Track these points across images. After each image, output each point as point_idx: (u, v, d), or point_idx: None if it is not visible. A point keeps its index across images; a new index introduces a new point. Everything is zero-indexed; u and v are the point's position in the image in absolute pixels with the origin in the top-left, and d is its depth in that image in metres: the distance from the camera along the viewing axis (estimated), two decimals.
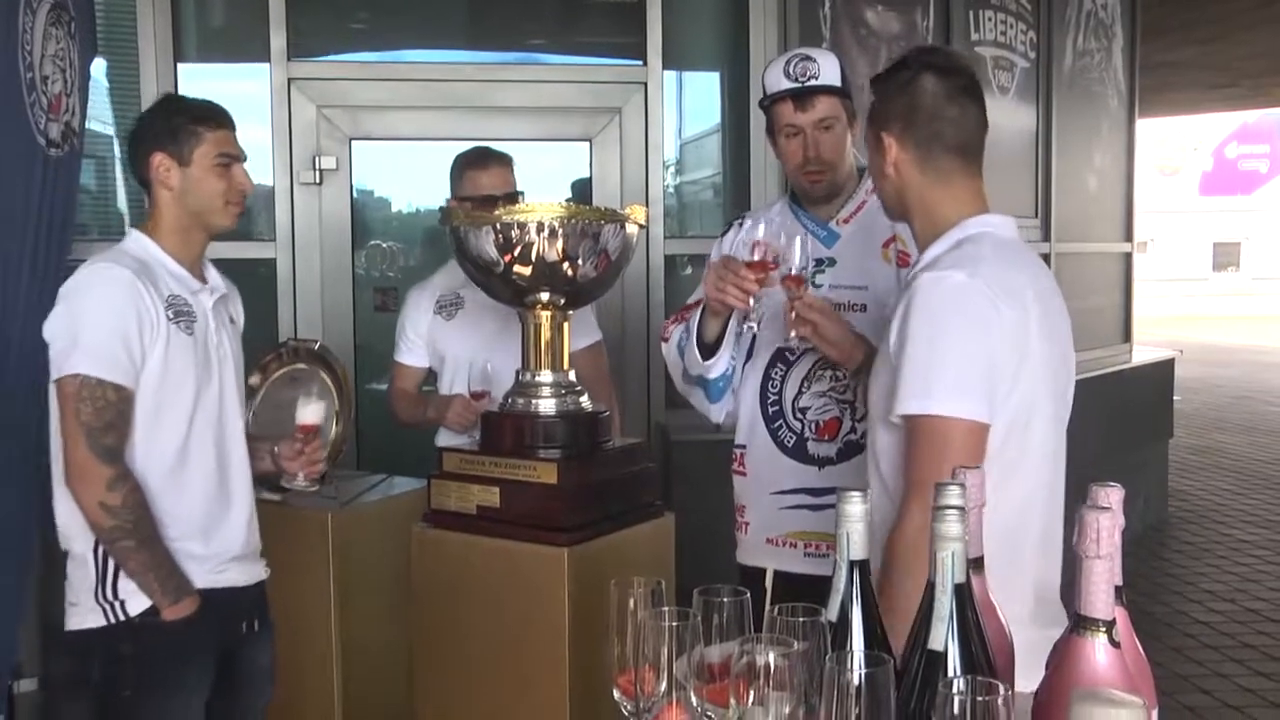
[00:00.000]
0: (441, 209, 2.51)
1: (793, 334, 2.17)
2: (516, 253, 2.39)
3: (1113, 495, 1.17)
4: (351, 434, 3.46)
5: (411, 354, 3.17)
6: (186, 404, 2.19)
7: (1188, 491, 7.74)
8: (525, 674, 2.36)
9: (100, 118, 4.11)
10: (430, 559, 2.51)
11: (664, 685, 1.20)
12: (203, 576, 2.22)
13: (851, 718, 1.02)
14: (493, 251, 2.41)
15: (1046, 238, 5.93)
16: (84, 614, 2.16)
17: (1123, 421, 6.40)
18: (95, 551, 2.14)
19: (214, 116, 2.26)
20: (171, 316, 2.15)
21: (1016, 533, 1.67)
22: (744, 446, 2.55)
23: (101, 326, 2.08)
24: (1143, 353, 7.07)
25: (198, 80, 4.15)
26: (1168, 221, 31.96)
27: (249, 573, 2.34)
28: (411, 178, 4.63)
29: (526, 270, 2.40)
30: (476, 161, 3.03)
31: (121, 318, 2.09)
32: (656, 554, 2.54)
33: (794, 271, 2.14)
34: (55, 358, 2.10)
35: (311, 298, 4.17)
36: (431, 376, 3.22)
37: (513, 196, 2.84)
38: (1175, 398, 7.41)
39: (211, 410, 2.25)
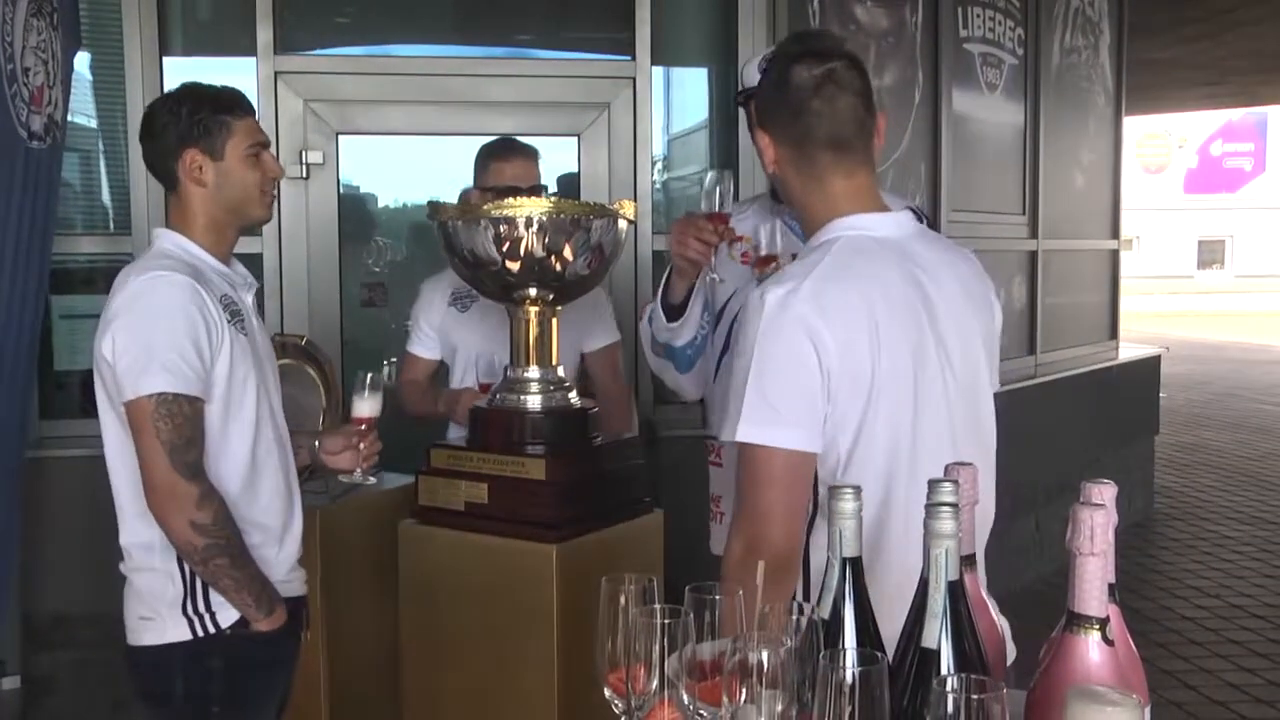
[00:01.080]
0: (429, 203, 2.49)
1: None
2: (505, 248, 2.38)
3: (1106, 492, 1.16)
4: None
5: (423, 345, 3.14)
6: (251, 407, 2.09)
7: (1173, 488, 7.77)
8: (513, 670, 2.35)
9: (84, 111, 4.08)
10: (418, 555, 2.50)
11: (655, 683, 1.19)
12: (279, 585, 2.13)
13: (845, 715, 1.01)
14: (480, 246, 2.40)
15: (1034, 235, 5.94)
16: (165, 627, 2.05)
17: (1109, 418, 6.42)
18: (181, 564, 2.04)
19: (239, 104, 2.15)
20: (229, 319, 2.06)
21: (874, 530, 1.58)
22: (717, 438, 2.54)
23: (171, 338, 1.96)
24: (1129, 350, 7.10)
25: (183, 74, 4.12)
26: (1153, 219, 32.08)
27: (301, 582, 2.26)
28: (399, 172, 4.60)
29: (515, 265, 2.39)
30: (501, 152, 3.01)
31: (190, 326, 1.98)
32: (646, 550, 2.53)
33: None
34: (124, 377, 1.96)
35: (298, 293, 4.14)
36: (443, 371, 3.19)
37: (537, 189, 2.80)
38: (1161, 394, 7.44)
39: (271, 410, 2.17)
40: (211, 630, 2.05)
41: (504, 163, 2.96)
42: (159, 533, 2.01)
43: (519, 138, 3.20)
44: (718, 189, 2.24)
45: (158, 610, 2.05)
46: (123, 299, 2.00)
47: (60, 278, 3.90)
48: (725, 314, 2.36)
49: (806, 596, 1.61)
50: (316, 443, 2.36)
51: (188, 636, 2.04)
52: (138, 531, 2.06)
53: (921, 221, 2.16)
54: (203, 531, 1.96)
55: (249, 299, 2.17)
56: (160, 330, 1.96)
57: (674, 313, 2.36)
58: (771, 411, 1.59)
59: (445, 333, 3.11)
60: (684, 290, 2.34)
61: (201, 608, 2.04)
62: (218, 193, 2.11)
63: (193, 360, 1.97)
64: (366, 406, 2.33)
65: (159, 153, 2.12)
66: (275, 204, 2.22)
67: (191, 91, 2.13)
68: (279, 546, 2.15)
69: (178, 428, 1.95)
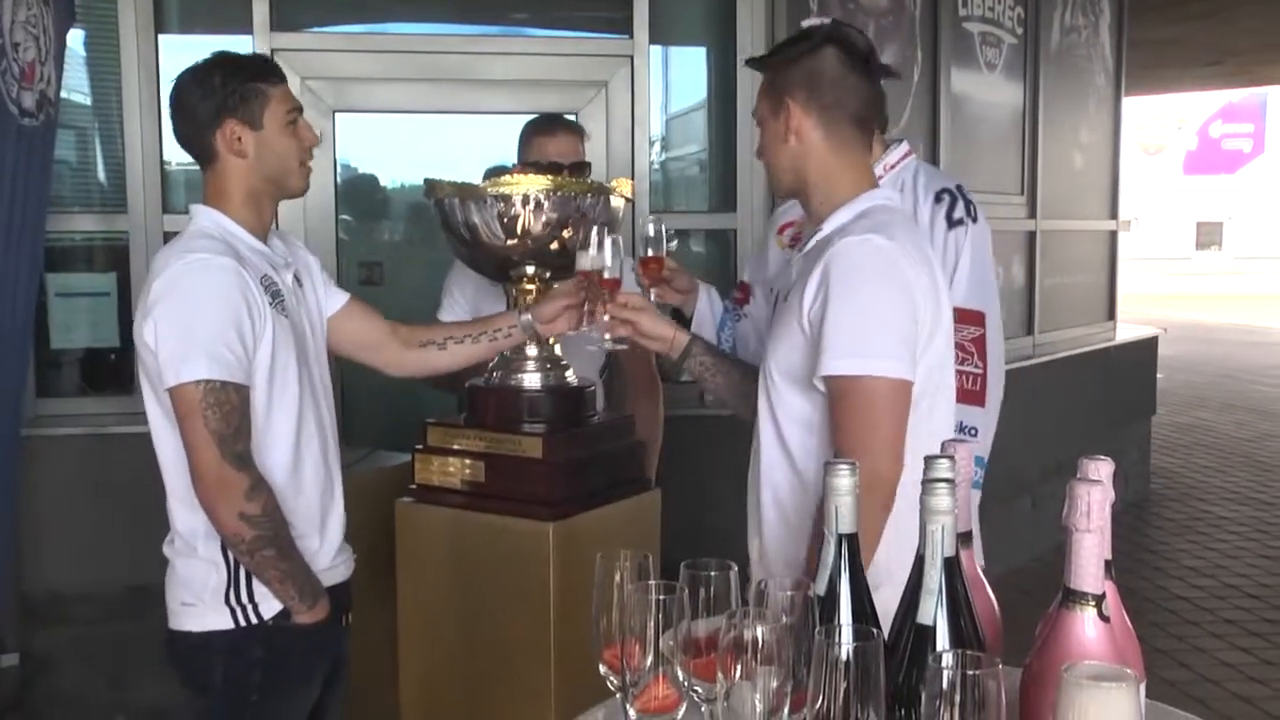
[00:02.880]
0: (426, 181, 2.47)
1: (607, 336, 2.13)
2: (502, 226, 2.37)
3: (1103, 468, 1.16)
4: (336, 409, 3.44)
5: (453, 314, 3.08)
6: (293, 392, 2.04)
7: (1169, 469, 7.78)
8: (509, 648, 2.35)
9: (79, 88, 4.06)
10: (414, 533, 2.50)
11: (650, 659, 1.19)
12: (323, 575, 2.09)
13: (840, 692, 1.01)
14: (478, 224, 2.39)
15: (1032, 215, 5.93)
16: (205, 615, 2.01)
17: (1106, 398, 6.42)
18: (225, 553, 2.00)
19: (273, 70, 2.08)
20: (270, 301, 1.99)
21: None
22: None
23: (215, 325, 1.90)
24: (1126, 330, 7.10)
25: (178, 51, 4.10)
26: (1151, 200, 32.05)
27: (350, 562, 2.22)
28: (396, 150, 4.58)
29: (512, 244, 2.38)
30: (545, 128, 2.97)
31: (235, 312, 1.92)
32: (642, 529, 2.53)
33: (606, 275, 2.12)
34: (167, 363, 1.90)
35: None
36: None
37: (581, 166, 2.77)
38: (1158, 375, 7.44)
39: (312, 392, 2.11)
40: (254, 620, 2.01)
41: (547, 138, 2.93)
42: (203, 519, 1.96)
43: (517, 115, 3.18)
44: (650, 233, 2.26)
45: (200, 597, 2.02)
46: (164, 283, 1.93)
47: (56, 256, 3.89)
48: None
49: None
50: (528, 315, 2.28)
51: (229, 625, 2.01)
52: (183, 517, 2.02)
53: (957, 201, 2.39)
54: (252, 523, 1.92)
55: (289, 278, 2.10)
56: (204, 316, 1.91)
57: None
58: (890, 345, 1.71)
59: (476, 303, 3.05)
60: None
61: (245, 598, 2.00)
62: (258, 164, 2.04)
63: (236, 347, 1.91)
64: (589, 260, 2.16)
65: (195, 126, 2.03)
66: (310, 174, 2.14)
67: (223, 60, 2.06)
68: (321, 536, 2.11)
69: (226, 416, 1.90)
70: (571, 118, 3.10)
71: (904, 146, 2.51)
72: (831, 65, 1.84)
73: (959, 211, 2.39)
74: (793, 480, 1.83)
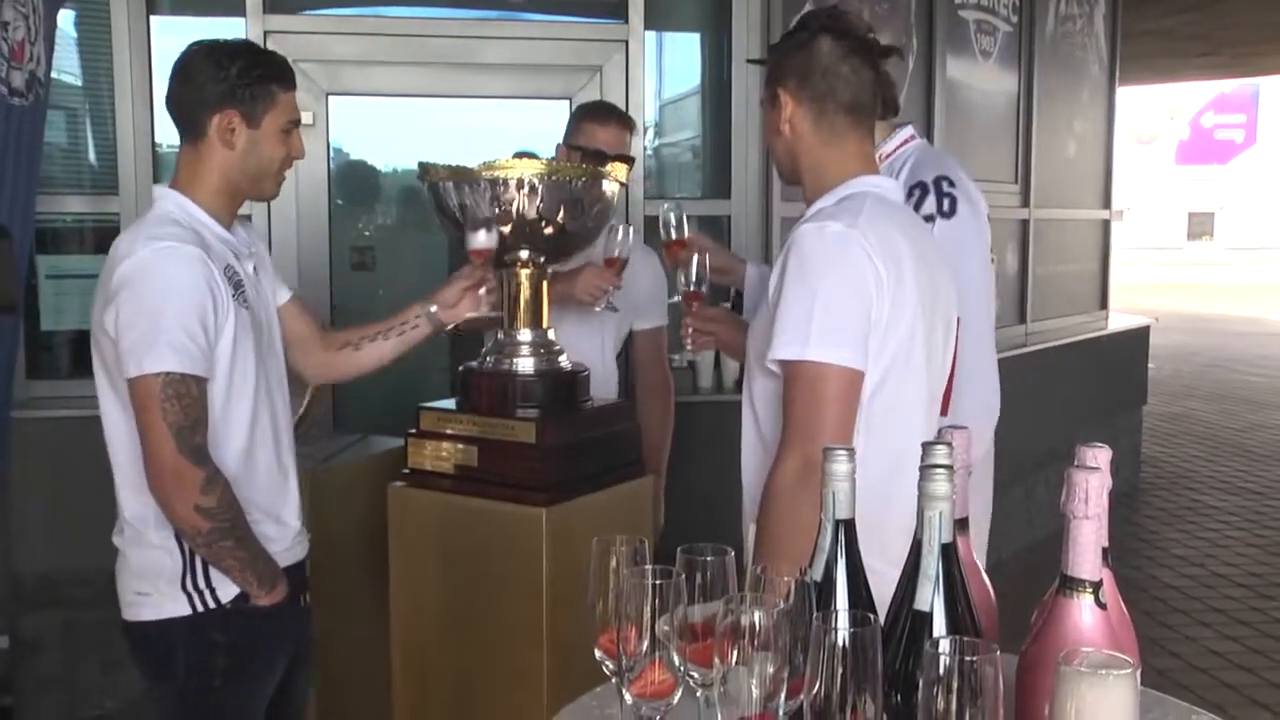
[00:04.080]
0: (420, 164, 2.46)
1: (689, 345, 2.24)
2: (496, 210, 2.36)
3: (1101, 456, 1.16)
4: (328, 394, 3.43)
5: None
6: (251, 382, 2.03)
7: (1160, 458, 7.81)
8: (503, 633, 2.35)
9: (69, 69, 4.03)
10: (408, 518, 2.49)
11: (646, 645, 1.19)
12: (279, 557, 2.08)
13: (837, 678, 1.01)
14: (471, 208, 2.37)
15: (1025, 203, 5.93)
16: (163, 603, 2.00)
17: (1098, 387, 6.44)
18: (179, 539, 1.98)
19: (289, 75, 2.08)
20: (232, 292, 1.98)
21: (889, 483, 1.62)
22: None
23: (180, 317, 1.88)
24: (1118, 320, 7.11)
25: (171, 33, 4.07)
26: (1144, 190, 32.10)
27: (305, 543, 2.21)
28: (390, 134, 4.56)
29: (505, 228, 2.37)
30: (597, 115, 2.94)
31: (200, 303, 1.90)
32: (636, 514, 2.53)
33: (692, 288, 2.24)
34: (129, 353, 1.88)
35: (287, 256, 4.11)
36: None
37: (626, 158, 2.75)
38: (1150, 365, 7.46)
39: (267, 380, 2.10)
40: (212, 605, 2.00)
41: (598, 126, 2.89)
42: (154, 506, 1.95)
43: (511, 100, 3.16)
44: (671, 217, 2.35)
45: (156, 586, 2.00)
46: (129, 269, 1.90)
47: (46, 237, 3.87)
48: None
49: None
50: (432, 307, 2.30)
51: (187, 611, 1.99)
52: (131, 504, 2.00)
53: (928, 195, 2.37)
54: (208, 515, 1.91)
55: (250, 268, 2.09)
56: (169, 307, 1.88)
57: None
58: (837, 333, 1.71)
59: None
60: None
61: (202, 583, 1.99)
62: (243, 160, 2.03)
63: (200, 339, 1.90)
64: (481, 239, 2.28)
65: (193, 100, 2.01)
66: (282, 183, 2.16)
67: (246, 50, 2.07)
68: (276, 522, 2.11)
69: (185, 409, 1.88)
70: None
71: (903, 133, 2.47)
72: (824, 55, 1.85)
73: (927, 207, 2.34)
74: (766, 462, 1.83)
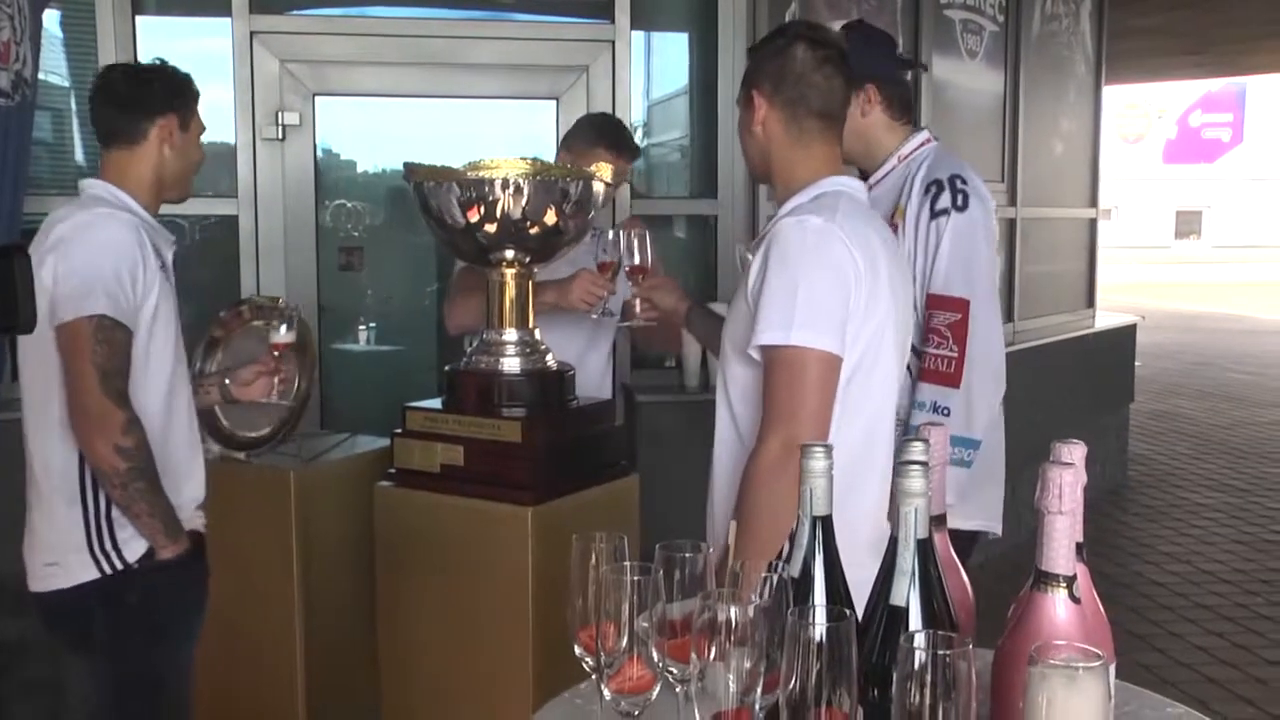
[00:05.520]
0: (405, 165, 2.46)
1: (639, 316, 2.39)
2: (481, 210, 2.37)
3: (1075, 451, 1.17)
4: (316, 394, 3.43)
5: (464, 305, 2.92)
6: (170, 351, 2.19)
7: (1147, 455, 7.84)
8: (488, 631, 2.36)
9: (56, 70, 4.02)
10: (394, 517, 2.50)
11: (625, 641, 1.20)
12: (185, 522, 2.21)
13: (813, 672, 1.02)
14: (457, 209, 2.38)
15: (1012, 202, 5.94)
16: (73, 570, 2.12)
17: (1085, 385, 6.46)
18: (85, 502, 2.11)
19: (198, 92, 2.32)
20: (159, 265, 2.16)
21: (859, 464, 1.81)
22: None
23: (115, 268, 2.06)
24: (1105, 318, 7.13)
25: (157, 34, 4.06)
26: (1131, 189, 32.21)
27: (202, 518, 2.33)
28: (377, 134, 4.56)
29: (491, 228, 2.38)
30: (612, 145, 2.91)
31: (132, 261, 2.08)
32: (621, 513, 2.54)
33: (636, 263, 2.39)
34: (67, 298, 2.03)
35: (274, 256, 4.12)
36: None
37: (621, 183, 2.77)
38: (1136, 363, 7.49)
39: (181, 359, 2.27)
40: (119, 566, 2.11)
41: (614, 155, 2.85)
42: (59, 478, 2.10)
43: (498, 100, 3.16)
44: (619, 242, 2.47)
45: (64, 556, 2.12)
46: (66, 229, 2.08)
47: (33, 238, 3.85)
48: None
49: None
50: (226, 380, 2.52)
51: (96, 575, 2.11)
52: (58, 455, 2.13)
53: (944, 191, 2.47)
54: (126, 455, 2.04)
55: (169, 255, 2.25)
56: (107, 259, 2.05)
57: None
58: (819, 319, 1.78)
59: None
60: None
61: (108, 545, 2.12)
62: (176, 161, 2.25)
63: (129, 293, 2.07)
64: (283, 333, 2.52)
65: (138, 105, 2.20)
66: None
67: (165, 67, 2.29)
68: (180, 491, 2.22)
69: (113, 353, 2.04)
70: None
71: (921, 136, 2.57)
72: (798, 62, 1.92)
73: (943, 202, 2.45)
74: (741, 456, 1.88)
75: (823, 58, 1.93)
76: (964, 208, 2.44)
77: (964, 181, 2.47)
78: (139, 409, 2.10)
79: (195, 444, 2.31)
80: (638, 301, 2.40)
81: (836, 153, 2.00)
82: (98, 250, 2.06)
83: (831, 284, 1.80)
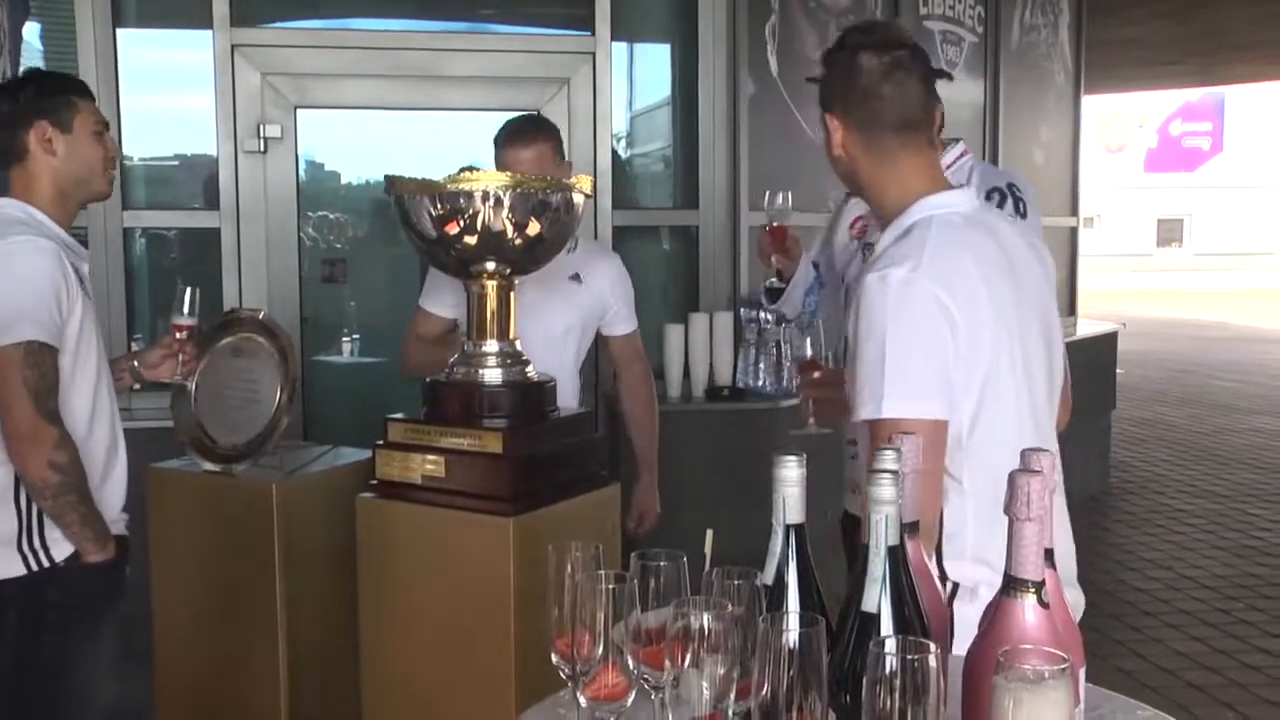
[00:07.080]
0: (386, 177, 2.47)
1: (811, 421, 2.26)
2: (461, 223, 2.38)
3: (1043, 459, 1.19)
4: (298, 406, 3.43)
5: (439, 302, 2.97)
6: (93, 365, 2.28)
7: (1129, 462, 7.88)
8: (471, 643, 2.36)
9: None
10: (376, 529, 2.50)
11: (600, 649, 1.21)
12: (110, 525, 2.30)
13: (785, 679, 1.03)
14: (436, 222, 2.39)
15: None
16: None
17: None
18: (17, 502, 2.19)
19: (83, 88, 2.36)
20: (79, 283, 2.23)
21: (998, 508, 1.63)
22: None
23: (40, 292, 2.13)
24: (1087, 326, 7.18)
25: (137, 46, 4.07)
26: (1113, 197, 32.40)
27: (123, 523, 2.40)
28: (359, 147, 4.57)
29: (472, 240, 2.39)
30: (507, 140, 2.86)
31: (55, 285, 2.15)
32: (602, 523, 2.54)
33: (809, 356, 2.30)
34: None
35: (257, 269, 4.12)
36: None
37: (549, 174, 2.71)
38: (1118, 370, 7.54)
39: (102, 370, 2.34)
40: (45, 564, 2.20)
41: (512, 151, 2.83)
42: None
43: (480, 112, 3.17)
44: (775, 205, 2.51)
45: None
46: None
47: None
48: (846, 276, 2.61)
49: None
50: (135, 362, 2.59)
51: (22, 572, 2.19)
52: None
53: (1006, 199, 2.46)
54: (59, 470, 2.14)
55: (85, 269, 2.31)
56: (30, 286, 2.13)
57: (772, 295, 2.56)
58: (913, 385, 1.65)
59: (459, 292, 2.91)
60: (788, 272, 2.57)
61: (37, 544, 2.20)
62: (67, 164, 2.28)
63: (55, 315, 2.15)
64: (187, 317, 2.60)
65: (8, 121, 2.26)
66: (115, 182, 2.45)
67: (35, 73, 2.36)
68: (100, 495, 2.28)
69: (43, 375, 2.12)
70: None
71: (959, 147, 2.60)
72: (864, 74, 1.76)
73: (1007, 210, 2.47)
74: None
75: (890, 64, 1.75)
76: (1025, 215, 2.48)
77: (1019, 190, 2.52)
78: (65, 421, 2.19)
79: (117, 444, 2.38)
80: (809, 403, 2.25)
81: (925, 162, 1.81)
82: (21, 279, 2.13)
83: (921, 345, 1.66)
